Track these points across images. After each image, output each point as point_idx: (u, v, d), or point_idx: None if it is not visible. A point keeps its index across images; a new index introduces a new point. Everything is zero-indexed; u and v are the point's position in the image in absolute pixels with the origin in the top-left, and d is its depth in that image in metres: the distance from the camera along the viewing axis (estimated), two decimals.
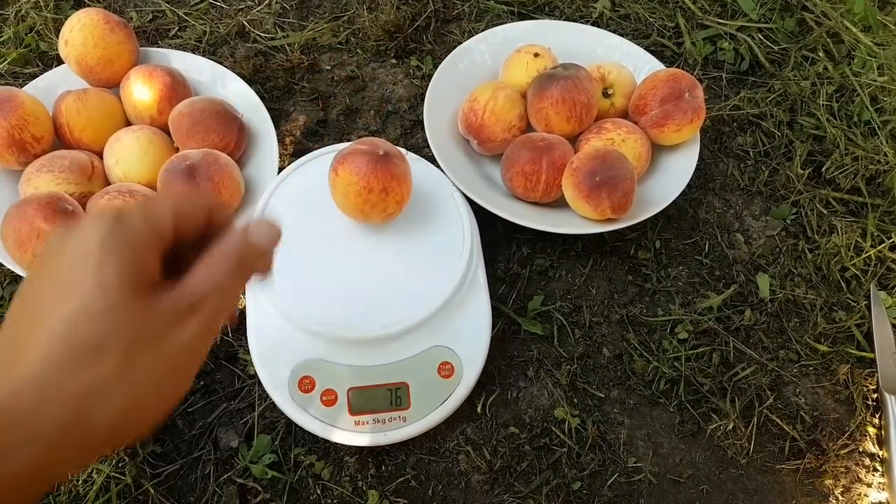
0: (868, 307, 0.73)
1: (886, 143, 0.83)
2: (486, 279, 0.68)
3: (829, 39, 0.92)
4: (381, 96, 0.87)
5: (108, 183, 0.71)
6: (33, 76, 0.80)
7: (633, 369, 0.69)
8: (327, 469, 0.63)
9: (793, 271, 0.76)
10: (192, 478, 0.62)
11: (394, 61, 0.91)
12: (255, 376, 0.66)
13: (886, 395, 0.67)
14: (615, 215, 0.69)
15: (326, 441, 0.63)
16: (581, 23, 0.91)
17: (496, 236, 0.76)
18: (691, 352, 0.69)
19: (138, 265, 0.30)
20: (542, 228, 0.70)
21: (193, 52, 0.84)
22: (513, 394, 0.67)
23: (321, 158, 0.71)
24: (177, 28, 0.92)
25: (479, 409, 0.66)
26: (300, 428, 0.63)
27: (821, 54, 0.91)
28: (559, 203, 0.73)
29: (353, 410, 0.61)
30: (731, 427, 0.66)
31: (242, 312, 0.68)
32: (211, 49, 0.90)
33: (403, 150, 0.67)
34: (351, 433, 0.61)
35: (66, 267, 0.30)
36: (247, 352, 0.66)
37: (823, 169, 0.82)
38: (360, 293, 0.64)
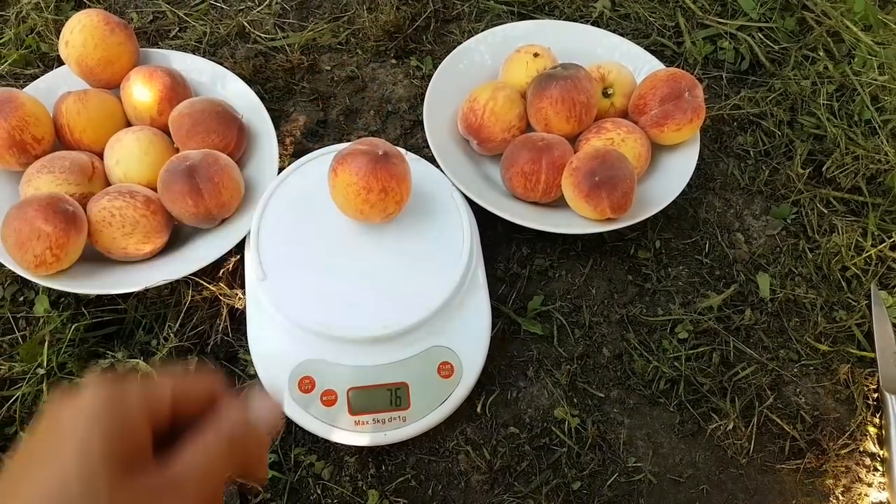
0: (868, 307, 0.73)
1: (887, 142, 0.82)
2: (486, 279, 0.68)
3: (829, 38, 0.92)
4: (381, 96, 0.87)
5: (108, 183, 0.71)
6: (34, 77, 0.80)
7: (632, 369, 0.69)
8: (327, 469, 0.63)
9: (793, 271, 0.75)
10: None
11: (394, 61, 0.91)
12: (255, 376, 0.66)
13: (887, 395, 0.67)
14: (615, 215, 0.69)
15: (326, 441, 0.63)
16: (581, 22, 0.91)
17: (496, 236, 0.76)
18: (691, 351, 0.69)
19: (127, 440, 0.29)
20: (541, 228, 0.70)
21: (193, 53, 0.84)
22: (513, 394, 0.67)
23: (321, 159, 0.71)
24: (177, 29, 0.92)
25: (478, 409, 0.66)
26: (300, 428, 0.63)
27: (821, 53, 0.91)
28: (559, 203, 0.73)
29: (353, 410, 0.61)
30: (731, 427, 0.66)
31: (242, 313, 0.68)
32: (211, 50, 0.90)
33: (403, 151, 0.67)
34: (351, 433, 0.61)
35: (56, 432, 0.29)
36: (247, 352, 0.66)
37: (824, 168, 0.82)
38: (360, 293, 0.64)
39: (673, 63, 0.92)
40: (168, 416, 0.32)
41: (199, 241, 0.70)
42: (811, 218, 0.79)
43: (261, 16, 0.94)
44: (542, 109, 0.73)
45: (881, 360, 0.69)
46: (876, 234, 0.77)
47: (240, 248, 0.69)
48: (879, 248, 0.76)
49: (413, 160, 0.71)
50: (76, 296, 0.68)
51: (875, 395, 0.68)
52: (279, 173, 0.71)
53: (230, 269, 0.71)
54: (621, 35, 0.86)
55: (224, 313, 0.69)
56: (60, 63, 0.79)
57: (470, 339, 0.65)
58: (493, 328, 0.67)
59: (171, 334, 0.67)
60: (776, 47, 0.93)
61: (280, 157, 0.75)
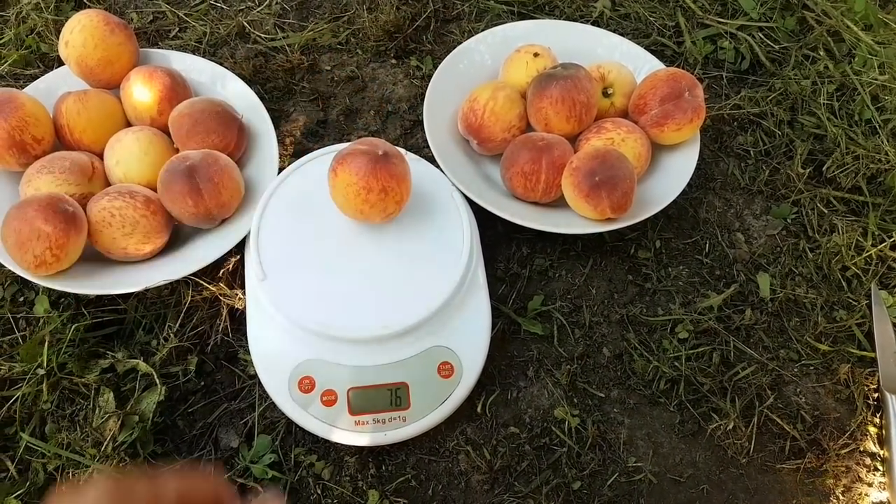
0: (869, 306, 0.73)
1: (887, 141, 0.82)
2: (486, 279, 0.68)
3: (829, 38, 0.92)
4: (381, 96, 0.87)
5: (108, 184, 0.71)
6: (34, 77, 0.80)
7: (633, 369, 0.69)
8: (327, 469, 0.63)
9: (793, 270, 0.75)
10: None
11: (394, 61, 0.91)
12: (255, 376, 0.66)
13: (887, 395, 0.67)
14: (615, 215, 0.69)
15: (326, 441, 0.63)
16: (581, 22, 0.91)
17: (496, 236, 0.76)
18: (691, 351, 0.69)
19: None
20: (541, 228, 0.70)
21: (194, 53, 0.84)
22: (513, 394, 0.67)
23: (321, 159, 0.71)
24: (177, 29, 0.92)
25: (479, 409, 0.66)
26: (300, 428, 0.63)
27: (821, 53, 0.91)
28: (559, 203, 0.73)
29: (353, 410, 0.61)
30: (731, 427, 0.65)
31: (242, 313, 0.68)
32: (211, 50, 0.90)
33: (403, 151, 0.67)
34: (351, 433, 0.61)
35: None
36: (247, 352, 0.66)
37: (824, 168, 0.82)
38: (360, 293, 0.64)
39: (673, 63, 0.92)
40: None
41: (199, 242, 0.70)
42: (811, 218, 0.79)
43: (261, 16, 0.94)
44: (543, 109, 0.73)
45: (881, 360, 0.69)
46: (876, 233, 0.77)
47: (240, 248, 0.69)
48: (880, 247, 0.76)
49: (413, 160, 0.71)
50: (76, 296, 0.68)
51: (875, 395, 0.68)
52: (279, 173, 0.71)
53: (230, 269, 0.71)
54: (621, 35, 0.86)
55: (224, 313, 0.69)
56: (60, 63, 0.79)
57: (470, 339, 0.65)
58: (493, 328, 0.67)
59: (171, 334, 0.67)
60: (776, 47, 0.93)
61: (280, 157, 0.75)
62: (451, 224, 0.68)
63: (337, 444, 0.63)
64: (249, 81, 0.81)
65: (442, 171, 0.71)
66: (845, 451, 0.65)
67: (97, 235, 0.65)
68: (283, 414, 0.63)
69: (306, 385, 0.62)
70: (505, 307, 0.71)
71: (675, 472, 0.64)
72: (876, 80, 0.87)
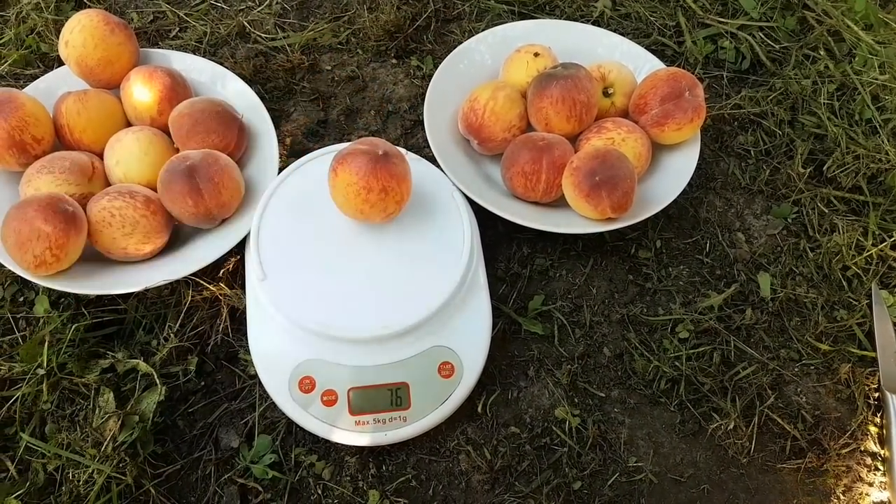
0: (869, 306, 0.73)
1: (888, 141, 0.82)
2: (487, 279, 0.68)
3: (830, 38, 0.92)
4: (382, 96, 0.87)
5: (108, 184, 0.71)
6: (34, 77, 0.80)
7: (633, 369, 0.69)
8: (328, 469, 0.63)
9: (794, 270, 0.75)
10: (193, 478, 0.62)
11: (394, 61, 0.91)
12: (255, 376, 0.66)
13: (888, 394, 0.67)
14: (615, 215, 0.69)
15: (327, 441, 0.63)
16: (581, 22, 0.91)
17: (496, 236, 0.75)
18: (692, 351, 0.69)
19: None
20: (542, 228, 0.70)
21: (194, 53, 0.84)
22: (513, 393, 0.67)
23: (321, 159, 0.71)
24: (177, 29, 0.92)
25: (479, 409, 0.66)
26: (301, 428, 0.63)
27: (822, 53, 0.91)
28: (559, 203, 0.73)
29: (354, 410, 0.61)
30: (731, 426, 0.65)
31: (242, 313, 0.68)
32: (211, 50, 0.90)
33: (403, 150, 0.67)
34: (351, 433, 0.61)
35: None
36: (247, 352, 0.66)
37: (825, 168, 0.82)
38: (361, 293, 0.64)
39: (673, 62, 0.92)
40: None
41: (199, 241, 0.70)
42: (812, 217, 0.79)
43: (261, 16, 0.94)
44: (543, 109, 0.73)
45: (882, 360, 0.69)
46: (877, 233, 0.77)
47: (240, 248, 0.69)
48: (880, 247, 0.76)
49: (413, 160, 0.71)
50: (76, 296, 0.68)
51: (876, 395, 0.68)
52: (279, 173, 0.71)
53: (230, 269, 0.71)
54: (622, 34, 0.86)
55: (224, 313, 0.69)
56: (60, 63, 0.79)
57: (470, 338, 0.65)
58: (493, 328, 0.67)
59: (172, 334, 0.67)
60: (777, 46, 0.93)
61: (280, 157, 0.75)
62: (451, 224, 0.68)
63: (337, 444, 0.63)
64: (250, 81, 0.81)
65: (442, 170, 0.71)
66: (846, 450, 0.65)
67: (97, 235, 0.65)
68: (283, 414, 0.63)
69: (307, 385, 0.62)
70: (505, 307, 0.71)
71: (676, 471, 0.64)
72: (876, 79, 0.87)
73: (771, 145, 0.85)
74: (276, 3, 0.95)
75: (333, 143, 0.75)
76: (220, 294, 0.69)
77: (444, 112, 0.78)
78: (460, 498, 0.62)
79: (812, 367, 0.70)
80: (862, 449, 0.66)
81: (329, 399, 0.61)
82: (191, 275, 0.67)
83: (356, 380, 0.62)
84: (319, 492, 0.62)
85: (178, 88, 0.75)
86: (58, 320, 0.66)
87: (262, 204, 0.68)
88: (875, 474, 0.65)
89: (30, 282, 0.66)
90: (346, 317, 0.62)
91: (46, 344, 0.64)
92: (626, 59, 0.82)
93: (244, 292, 0.68)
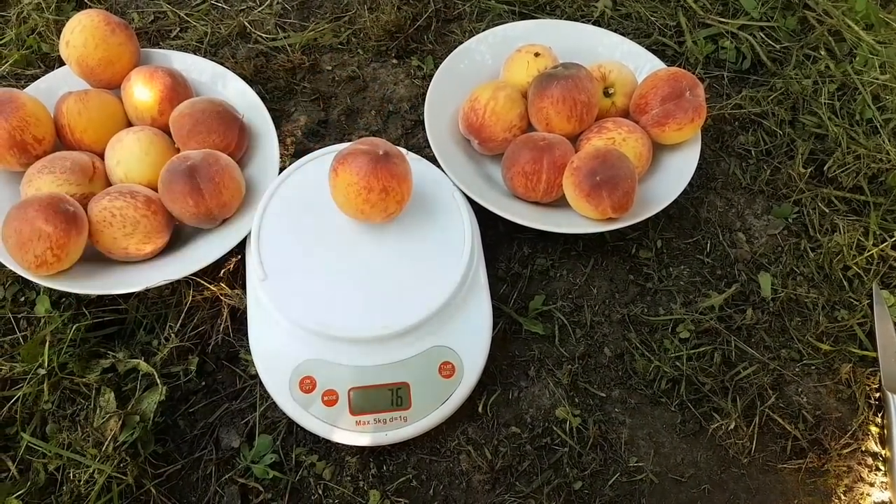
0: (870, 306, 0.73)
1: (888, 141, 0.82)
2: (487, 279, 0.68)
3: (830, 38, 0.92)
4: (382, 96, 0.87)
5: (109, 184, 0.71)
6: (35, 77, 0.80)
7: (634, 369, 0.69)
8: (328, 469, 0.63)
9: (795, 270, 0.75)
10: (194, 478, 0.62)
11: (395, 61, 0.91)
12: (256, 376, 0.66)
13: (889, 394, 0.67)
14: (616, 215, 0.69)
15: (327, 441, 0.63)
16: (582, 22, 0.91)
17: (497, 236, 0.75)
18: (693, 351, 0.69)
19: None
20: (543, 228, 0.70)
21: (195, 53, 0.84)
22: (514, 393, 0.67)
23: (322, 158, 0.71)
24: (178, 29, 0.92)
25: (480, 409, 0.66)
26: (301, 428, 0.63)
27: (822, 53, 0.91)
28: (560, 203, 0.73)
29: (354, 410, 0.61)
30: (732, 426, 0.65)
31: (243, 313, 0.68)
32: (212, 50, 0.90)
33: (404, 150, 0.67)
34: (352, 433, 0.61)
35: None
36: (248, 352, 0.66)
37: (825, 167, 0.82)
38: (361, 293, 0.64)
39: (674, 62, 0.91)
40: None
41: (199, 241, 0.70)
42: (813, 217, 0.79)
43: (262, 16, 0.94)
44: (543, 109, 0.73)
45: (883, 360, 0.69)
46: (877, 233, 0.77)
47: (241, 248, 0.69)
48: (881, 247, 0.76)
49: (414, 160, 0.71)
50: (77, 296, 0.68)
51: (877, 395, 0.68)
52: (280, 173, 0.71)
53: (231, 269, 0.71)
54: (622, 34, 0.86)
55: (225, 313, 0.69)
56: (61, 63, 0.79)
57: (471, 338, 0.65)
58: (494, 328, 0.67)
59: (172, 334, 0.67)
60: (777, 46, 0.92)
61: (281, 157, 0.75)
62: (452, 224, 0.68)
63: (338, 444, 0.63)
64: (250, 81, 0.81)
65: (443, 170, 0.71)
66: (847, 450, 0.65)
67: (98, 235, 0.65)
68: (284, 414, 0.63)
69: (307, 385, 0.62)
70: (506, 307, 0.71)
71: (677, 472, 0.64)
72: (877, 79, 0.87)
73: (772, 145, 0.84)
74: (277, 3, 0.95)
75: (334, 143, 0.75)
76: (221, 294, 0.69)
77: (445, 112, 0.78)
78: (461, 498, 0.62)
79: (813, 367, 0.70)
80: (863, 449, 0.66)
81: (330, 399, 0.61)
82: (191, 275, 0.67)
83: (357, 380, 0.62)
84: (320, 492, 0.62)
85: (178, 88, 0.75)
86: (59, 320, 0.66)
87: (262, 204, 0.68)
88: (876, 474, 0.65)
89: (31, 282, 0.66)
90: (347, 317, 0.62)
91: (47, 344, 0.64)
92: (626, 59, 0.82)
93: (245, 292, 0.68)
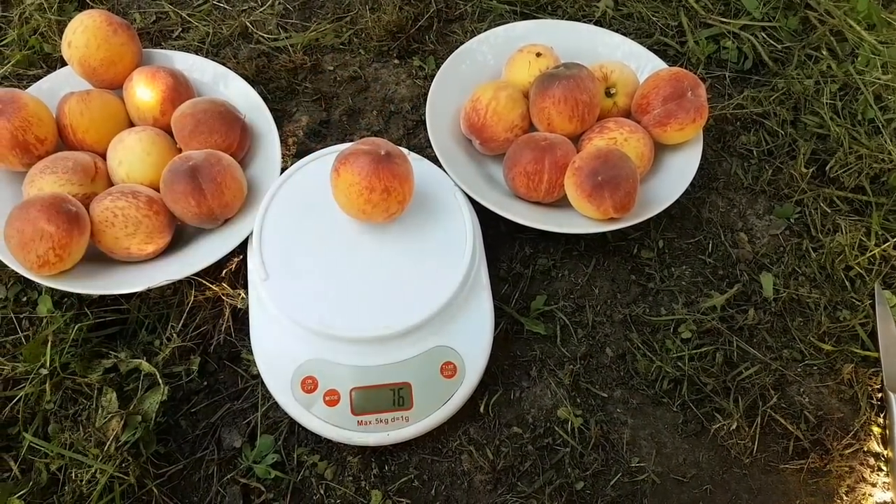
0: (872, 306, 0.73)
1: (890, 141, 0.82)
2: (489, 279, 0.68)
3: (832, 38, 0.92)
4: (384, 96, 0.87)
5: (111, 184, 0.71)
6: (37, 78, 0.80)
7: (636, 369, 0.69)
8: (330, 469, 0.63)
9: (797, 270, 0.75)
10: (196, 478, 0.62)
11: (396, 61, 0.91)
12: (257, 376, 0.66)
13: (891, 395, 0.67)
14: (618, 215, 0.69)
15: (329, 441, 0.63)
16: (584, 22, 0.91)
17: (499, 236, 0.75)
18: (694, 351, 0.69)
19: None
20: (544, 228, 0.70)
21: (196, 54, 0.84)
22: (516, 394, 0.67)
23: (324, 159, 0.71)
24: (180, 29, 0.92)
25: (481, 409, 0.66)
26: (303, 428, 0.63)
27: (824, 53, 0.91)
28: (562, 203, 0.73)
29: (356, 410, 0.61)
30: (734, 427, 0.65)
31: (245, 313, 0.68)
32: (214, 50, 0.90)
33: (405, 150, 0.67)
34: (354, 433, 0.61)
35: None
36: (249, 352, 0.66)
37: (827, 168, 0.82)
38: (363, 293, 0.64)
39: (676, 62, 0.91)
40: None
41: (201, 242, 0.70)
42: (814, 217, 0.79)
43: (263, 16, 0.94)
44: (545, 109, 0.73)
45: (885, 360, 0.69)
46: (879, 233, 0.77)
47: (242, 248, 0.69)
48: (883, 247, 0.76)
49: (415, 160, 0.71)
50: (79, 296, 0.68)
51: (879, 395, 0.68)
52: (282, 173, 0.71)
53: (233, 269, 0.71)
54: (624, 34, 0.86)
55: (227, 313, 0.69)
56: (63, 64, 0.79)
57: (473, 338, 0.65)
58: (496, 328, 0.67)
59: (174, 334, 0.67)
60: (779, 46, 0.92)
61: (283, 158, 0.75)
62: (453, 224, 0.68)
63: (340, 444, 0.63)
64: (252, 82, 0.81)
65: (444, 170, 0.71)
66: (849, 451, 0.65)
67: (100, 235, 0.66)
68: (285, 414, 0.63)
69: (309, 385, 0.62)
70: (508, 307, 0.71)
71: (679, 472, 0.64)
72: (879, 79, 0.87)
73: (773, 145, 0.84)
74: (279, 3, 0.95)
75: (336, 144, 0.75)
76: (223, 294, 0.69)
77: (446, 112, 0.78)
78: (462, 498, 0.62)
79: (815, 368, 0.70)
80: (865, 449, 0.66)
81: (331, 399, 0.61)
82: (193, 275, 0.67)
83: (358, 380, 0.62)
84: (322, 492, 0.62)
85: (180, 89, 0.75)
86: (61, 320, 0.66)
87: (264, 204, 0.68)
88: (878, 475, 0.65)
89: (33, 282, 0.66)
90: (349, 317, 0.62)
91: (49, 344, 0.64)
92: (628, 59, 0.82)
93: (246, 292, 0.68)
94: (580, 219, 0.72)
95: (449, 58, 0.81)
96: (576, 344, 0.70)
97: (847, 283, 0.74)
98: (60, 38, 0.80)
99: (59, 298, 0.68)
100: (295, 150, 0.81)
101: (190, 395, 0.66)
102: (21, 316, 0.68)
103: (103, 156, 0.72)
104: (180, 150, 0.73)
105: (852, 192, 0.80)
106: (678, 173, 0.75)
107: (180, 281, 0.67)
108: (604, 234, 0.75)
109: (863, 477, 0.64)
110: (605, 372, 0.69)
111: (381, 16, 0.92)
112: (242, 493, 0.61)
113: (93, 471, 0.59)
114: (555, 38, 0.82)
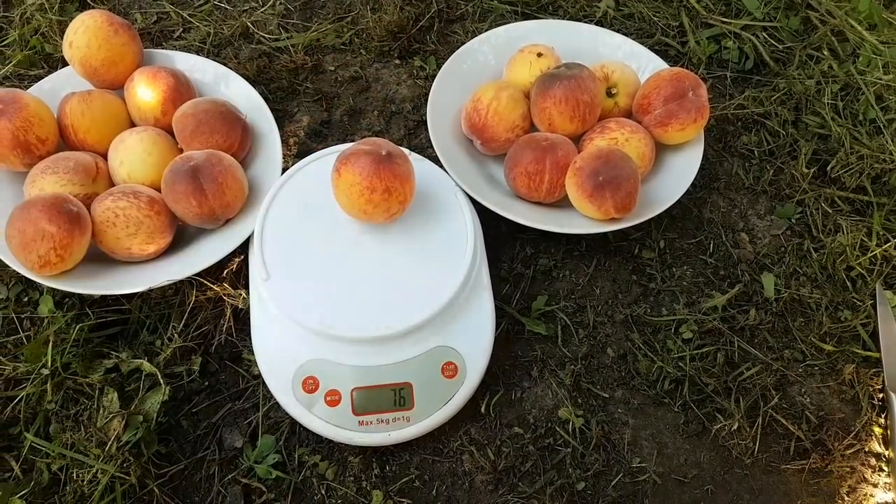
0: (873, 306, 0.72)
1: (892, 141, 0.82)
2: (490, 279, 0.68)
3: (833, 38, 0.92)
4: (385, 97, 0.87)
5: (112, 184, 0.71)
6: (38, 78, 0.80)
7: (637, 369, 0.69)
8: (331, 469, 0.63)
9: (798, 271, 0.75)
10: (197, 478, 0.62)
11: (397, 62, 0.91)
12: (259, 376, 0.66)
13: (892, 395, 0.67)
14: (619, 215, 0.69)
15: (330, 441, 0.63)
16: (585, 22, 0.91)
17: (500, 236, 0.75)
18: (696, 352, 0.69)
19: None
20: (545, 228, 0.70)
21: (197, 54, 0.84)
22: (517, 394, 0.67)
23: (325, 159, 0.71)
24: (181, 30, 0.92)
25: (482, 410, 0.66)
26: (304, 428, 0.63)
27: (825, 53, 0.91)
28: (563, 203, 0.73)
29: (357, 411, 0.61)
30: (735, 427, 0.65)
31: (246, 313, 0.68)
32: (215, 50, 0.90)
33: (406, 151, 0.67)
34: (355, 433, 0.61)
35: None
36: (251, 352, 0.66)
37: (828, 168, 0.82)
38: (364, 293, 0.64)
39: (677, 63, 0.91)
40: None
41: (202, 242, 0.70)
42: (816, 218, 0.78)
43: (265, 16, 0.94)
44: (546, 109, 0.73)
45: (886, 360, 0.69)
46: (881, 233, 0.77)
47: (244, 248, 0.69)
48: (884, 247, 0.75)
49: (416, 160, 0.71)
50: (80, 296, 0.68)
51: (880, 395, 0.68)
52: (283, 173, 0.71)
53: (234, 269, 0.71)
54: (625, 35, 0.86)
55: (228, 313, 0.69)
56: (65, 64, 0.79)
57: (474, 339, 0.65)
58: (497, 328, 0.67)
59: (176, 334, 0.67)
60: (780, 47, 0.92)
61: (284, 158, 0.75)
62: (454, 224, 0.68)
63: (341, 444, 0.63)
64: (253, 82, 0.81)
65: (445, 171, 0.71)
66: (850, 451, 0.65)
67: (101, 236, 0.66)
68: (286, 414, 0.63)
69: (310, 385, 0.62)
70: (509, 307, 0.71)
71: (680, 472, 0.64)
72: (880, 79, 0.86)
73: (774, 145, 0.84)
74: (280, 3, 0.95)
75: (337, 144, 0.75)
76: (224, 294, 0.69)
77: (448, 112, 0.78)
78: (464, 498, 0.62)
79: (816, 368, 0.70)
80: (866, 450, 0.65)
81: (332, 399, 0.61)
82: (194, 275, 0.67)
83: (360, 380, 0.62)
84: (323, 492, 0.62)
85: (181, 89, 0.75)
86: (62, 320, 0.66)
87: (265, 204, 0.68)
88: (879, 475, 0.65)
89: (34, 282, 0.66)
90: (350, 317, 0.62)
91: (51, 344, 0.64)
92: (629, 60, 0.82)
93: (248, 292, 0.68)
94: (581, 219, 0.72)
95: (450, 58, 0.81)
96: (577, 344, 0.70)
97: (848, 284, 0.74)
98: (62, 38, 0.80)
99: (61, 298, 0.68)
100: (296, 151, 0.81)
101: (191, 395, 0.66)
102: (22, 316, 0.68)
103: (104, 156, 0.72)
104: (181, 151, 0.73)
105: (853, 193, 0.80)
106: (679, 173, 0.75)
107: (181, 281, 0.67)
108: (605, 234, 0.75)
109: (864, 477, 0.64)
110: (607, 372, 0.69)
111: (382, 16, 0.92)
112: (243, 494, 0.61)
113: (94, 471, 0.59)
114: (556, 38, 0.82)
